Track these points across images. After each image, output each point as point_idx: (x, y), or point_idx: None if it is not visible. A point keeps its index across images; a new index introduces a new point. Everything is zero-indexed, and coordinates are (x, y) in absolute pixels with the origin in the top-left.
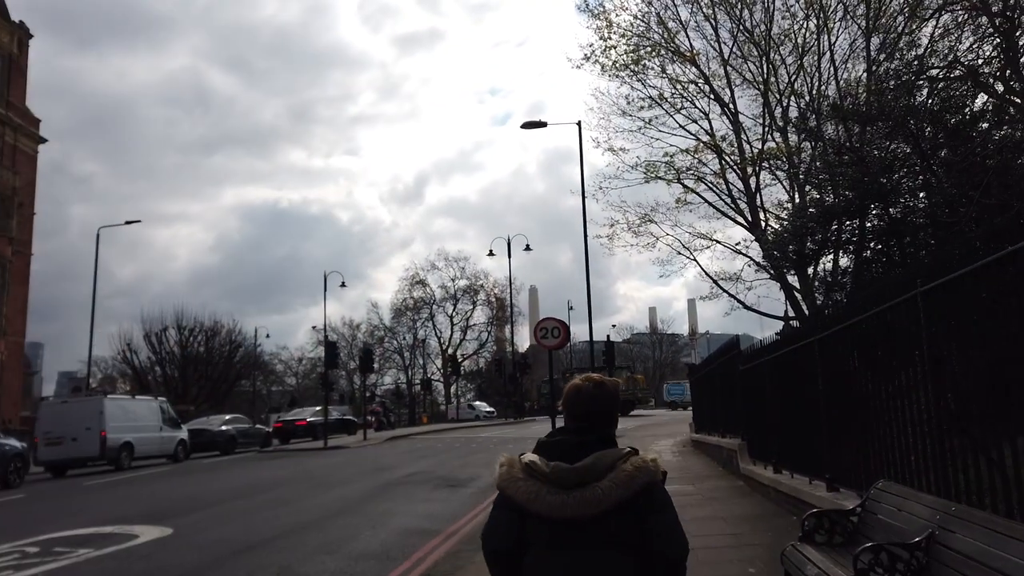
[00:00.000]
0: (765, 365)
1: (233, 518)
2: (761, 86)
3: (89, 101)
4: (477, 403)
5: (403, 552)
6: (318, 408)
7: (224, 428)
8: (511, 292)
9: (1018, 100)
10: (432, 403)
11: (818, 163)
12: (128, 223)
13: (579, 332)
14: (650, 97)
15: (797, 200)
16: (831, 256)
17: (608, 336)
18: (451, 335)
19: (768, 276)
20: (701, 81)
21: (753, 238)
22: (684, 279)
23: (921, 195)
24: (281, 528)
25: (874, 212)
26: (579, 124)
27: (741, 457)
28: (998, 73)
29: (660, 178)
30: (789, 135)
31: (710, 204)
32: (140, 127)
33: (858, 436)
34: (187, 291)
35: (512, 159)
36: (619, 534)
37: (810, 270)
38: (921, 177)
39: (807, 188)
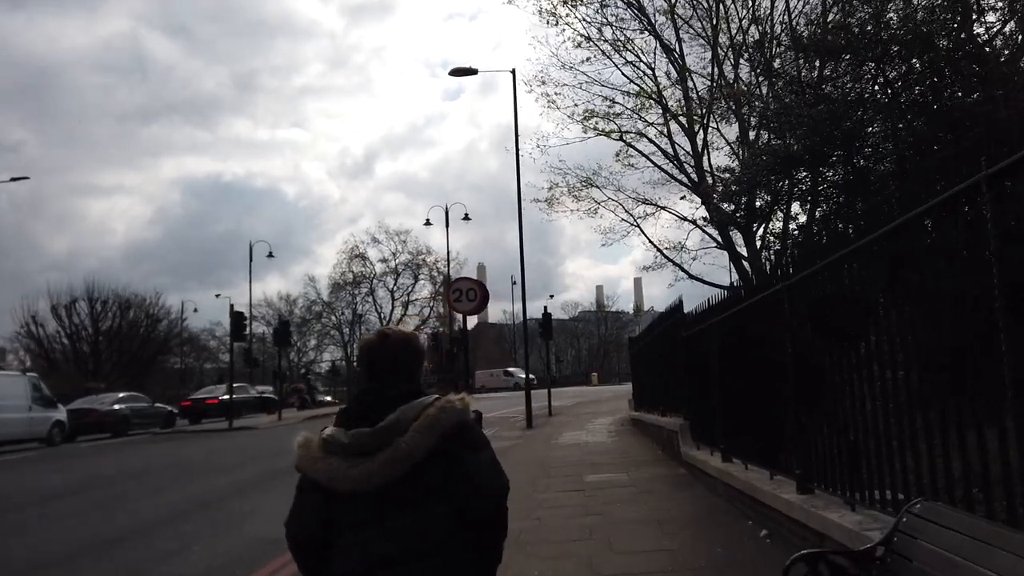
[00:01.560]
0: (714, 329)
1: (37, 525)
2: (710, 39)
3: (18, 66)
4: (513, 369)
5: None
6: (236, 385)
7: (116, 407)
8: (449, 263)
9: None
10: None
11: (773, 105)
12: (14, 180)
13: (530, 309)
14: (588, 38)
15: (746, 156)
16: (783, 213)
17: (545, 307)
18: (392, 310)
19: (715, 245)
20: (646, 28)
21: (699, 203)
22: (632, 258)
23: (890, 144)
24: (91, 539)
25: (835, 159)
26: (513, 72)
27: (683, 440)
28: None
29: (600, 131)
30: (741, 74)
31: (655, 164)
32: (73, 94)
33: (857, 421)
34: (125, 266)
35: (464, 135)
36: (433, 486)
37: (759, 234)
38: (890, 121)
39: (759, 136)
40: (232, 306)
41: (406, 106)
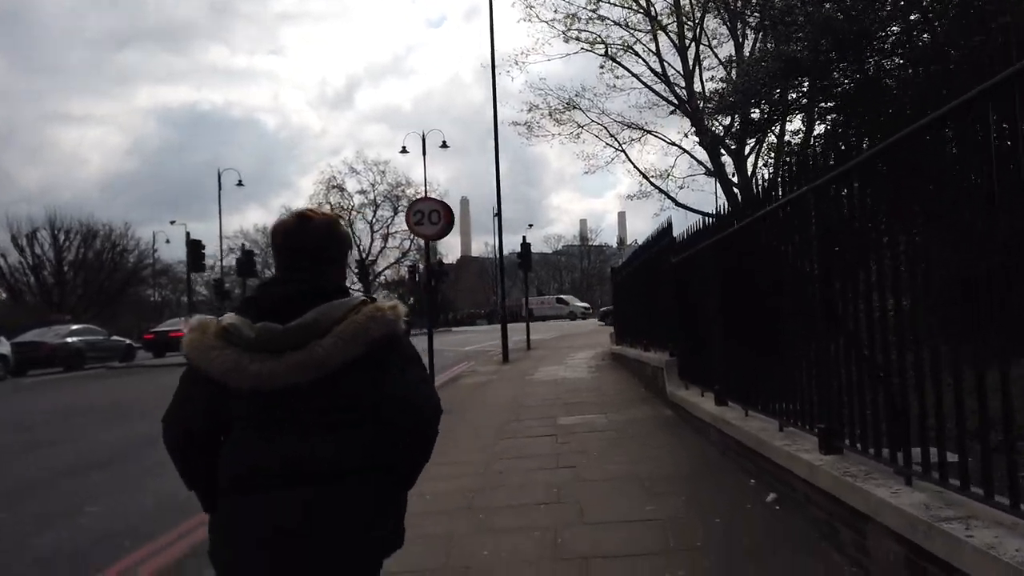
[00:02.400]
0: (707, 252)
1: None
2: None
3: None
4: (567, 297)
5: (116, 550)
6: (205, 317)
7: (68, 340)
8: (426, 193)
9: None
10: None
11: (779, 2)
12: None
13: (512, 243)
14: None
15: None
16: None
17: (524, 238)
18: (371, 243)
19: (704, 172)
20: None
21: (688, 129)
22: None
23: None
24: None
25: (844, 65)
26: None
27: (668, 378)
28: None
29: (584, 44)
30: None
31: (643, 83)
32: (42, 18)
33: (906, 365)
34: (102, 199)
35: (448, 65)
36: (350, 402)
37: (751, 160)
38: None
39: (757, 46)
40: (188, 234)
41: (387, 34)
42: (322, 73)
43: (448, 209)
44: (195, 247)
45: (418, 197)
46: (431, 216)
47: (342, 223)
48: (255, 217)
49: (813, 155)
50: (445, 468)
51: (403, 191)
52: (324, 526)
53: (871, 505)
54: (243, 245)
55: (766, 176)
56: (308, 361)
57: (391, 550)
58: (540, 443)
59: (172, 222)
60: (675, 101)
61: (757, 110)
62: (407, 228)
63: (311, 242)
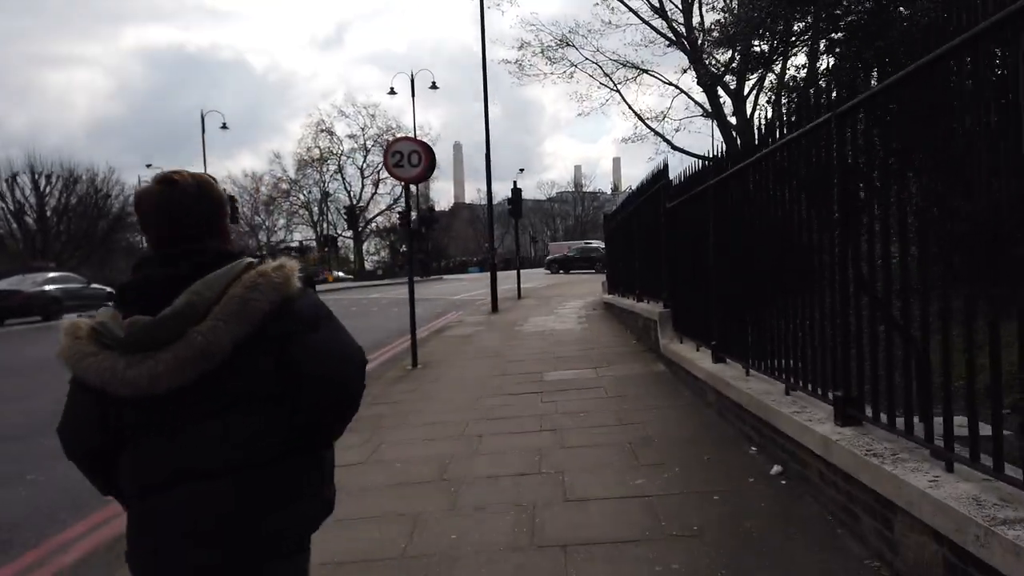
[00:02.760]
0: (709, 193)
1: None
2: None
3: None
4: (595, 243)
5: (51, 524)
6: None
7: (45, 288)
8: (415, 136)
9: None
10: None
11: None
12: None
13: (505, 189)
14: None
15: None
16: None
17: (515, 182)
18: (362, 189)
19: (701, 113)
20: None
21: (685, 67)
22: (612, 137)
23: None
24: None
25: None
26: None
27: (662, 330)
28: None
29: None
30: None
31: (640, 18)
32: None
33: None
34: (88, 143)
35: (442, 6)
36: (253, 388)
37: (750, 99)
38: None
39: None
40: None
41: None
42: (312, 14)
43: (429, 149)
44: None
45: (398, 136)
46: (411, 157)
47: (215, 183)
48: (246, 163)
49: (819, 90)
50: (420, 430)
51: (394, 135)
52: (243, 515)
53: (905, 495)
54: (224, 191)
55: (768, 115)
56: (188, 355)
57: (320, 519)
58: (524, 402)
59: (148, 166)
60: (672, 36)
61: (760, 42)
62: (386, 170)
63: (179, 210)
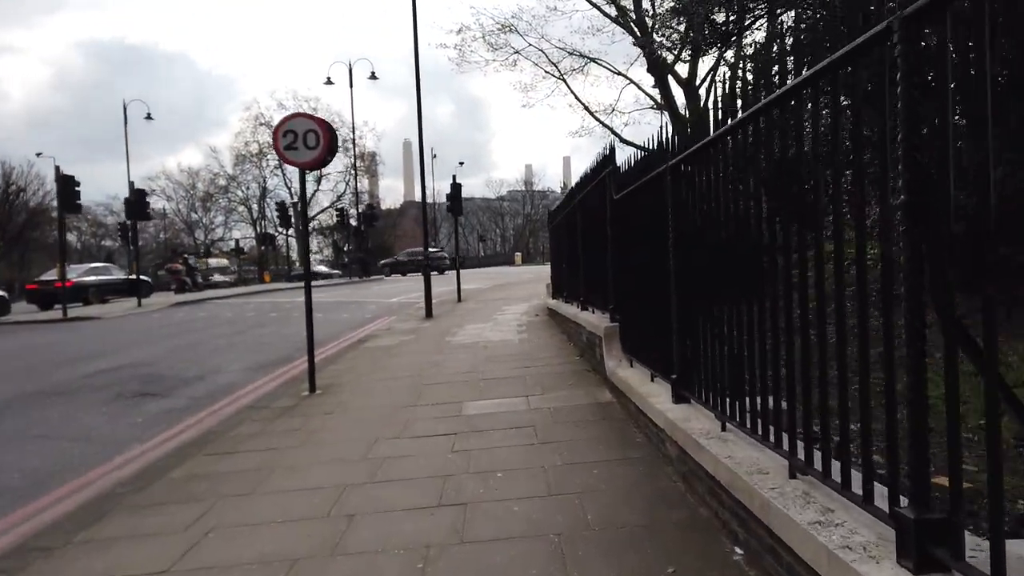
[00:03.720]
0: (667, 178)
1: None
2: None
3: None
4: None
5: None
6: (100, 265)
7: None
8: (354, 128)
9: None
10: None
11: None
12: None
13: (467, 187)
14: None
15: None
16: (734, 50)
17: (454, 176)
18: (303, 185)
19: (652, 106)
20: None
21: (635, 58)
22: (562, 136)
23: None
24: None
25: None
26: None
27: (608, 350)
28: None
29: None
30: None
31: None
32: None
33: None
34: (28, 137)
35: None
36: None
37: (704, 87)
38: None
39: None
40: (58, 168)
41: None
42: (258, 6)
43: (329, 128)
44: (66, 184)
45: (291, 113)
46: (306, 138)
47: None
48: (192, 160)
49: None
50: (276, 503)
51: (337, 130)
52: None
53: None
54: (131, 184)
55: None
56: None
57: None
58: (430, 451)
59: (38, 154)
60: (620, 19)
61: (718, 13)
62: (276, 153)
63: None
